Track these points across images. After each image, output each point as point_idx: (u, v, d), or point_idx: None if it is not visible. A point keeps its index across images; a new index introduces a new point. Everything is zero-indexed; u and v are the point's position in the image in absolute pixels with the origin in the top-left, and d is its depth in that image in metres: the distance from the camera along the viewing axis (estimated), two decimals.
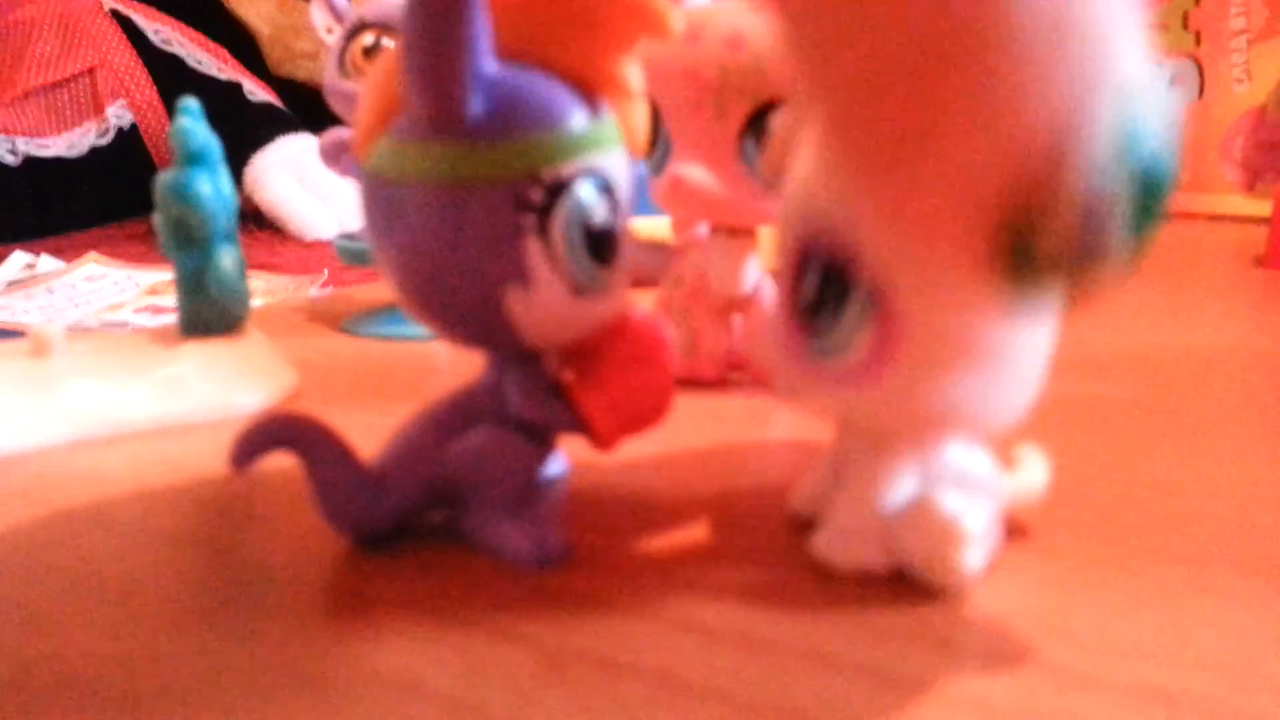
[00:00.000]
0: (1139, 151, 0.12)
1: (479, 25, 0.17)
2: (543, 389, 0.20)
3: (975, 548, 0.18)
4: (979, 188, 0.12)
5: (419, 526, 0.21)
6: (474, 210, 0.17)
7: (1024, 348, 0.17)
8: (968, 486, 0.19)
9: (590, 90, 0.18)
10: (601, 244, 0.18)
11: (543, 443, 0.21)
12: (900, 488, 0.19)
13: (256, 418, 0.19)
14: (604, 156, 0.18)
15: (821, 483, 0.21)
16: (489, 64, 0.17)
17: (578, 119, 0.18)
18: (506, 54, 0.18)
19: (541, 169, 0.17)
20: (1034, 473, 0.21)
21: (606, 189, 0.18)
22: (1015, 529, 0.21)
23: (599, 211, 0.18)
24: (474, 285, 0.18)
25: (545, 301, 0.18)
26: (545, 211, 0.18)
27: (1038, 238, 0.12)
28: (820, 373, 0.18)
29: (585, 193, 0.18)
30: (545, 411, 0.20)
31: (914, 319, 0.17)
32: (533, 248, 0.18)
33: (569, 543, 0.20)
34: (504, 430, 0.20)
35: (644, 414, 0.20)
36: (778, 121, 0.20)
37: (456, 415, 0.20)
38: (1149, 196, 0.12)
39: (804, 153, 0.18)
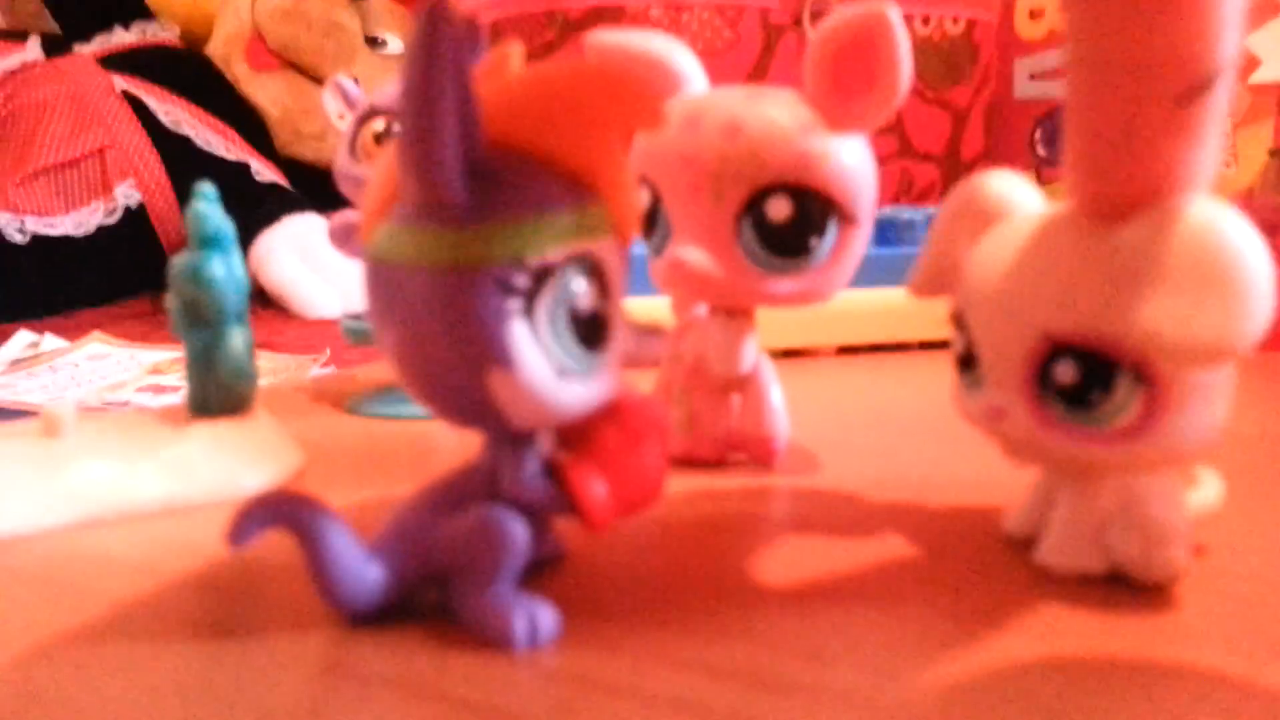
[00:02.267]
0: None
1: (468, 115, 0.17)
2: (535, 470, 0.20)
3: (1184, 547, 0.22)
4: None
5: (420, 605, 0.21)
6: (460, 294, 0.18)
7: (1226, 376, 0.21)
8: (1166, 500, 0.22)
9: (582, 178, 0.19)
10: (589, 329, 0.19)
11: (536, 524, 0.21)
12: (1109, 502, 0.22)
13: (254, 496, 0.20)
14: (593, 242, 0.19)
15: (1032, 508, 0.24)
16: (479, 152, 0.18)
17: (566, 206, 0.18)
18: (499, 143, 0.18)
19: (527, 254, 0.18)
20: (1211, 489, 0.24)
21: (595, 274, 0.19)
22: (1008, 609, 0.21)
23: (586, 297, 0.19)
24: (459, 367, 0.18)
25: (529, 384, 0.18)
26: (531, 296, 0.18)
27: None
28: (1088, 438, 0.21)
29: (573, 278, 0.18)
30: (537, 492, 0.20)
31: (1176, 380, 0.20)
32: (517, 332, 0.18)
33: (560, 624, 0.20)
34: (496, 510, 0.20)
35: (637, 496, 0.20)
36: (934, 242, 0.25)
37: (451, 495, 0.21)
38: None
39: (1015, 261, 0.21)
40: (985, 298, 0.22)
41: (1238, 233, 0.19)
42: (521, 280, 0.18)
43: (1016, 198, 0.23)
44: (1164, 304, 0.19)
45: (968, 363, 0.23)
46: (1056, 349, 0.21)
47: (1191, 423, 0.20)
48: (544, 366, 0.18)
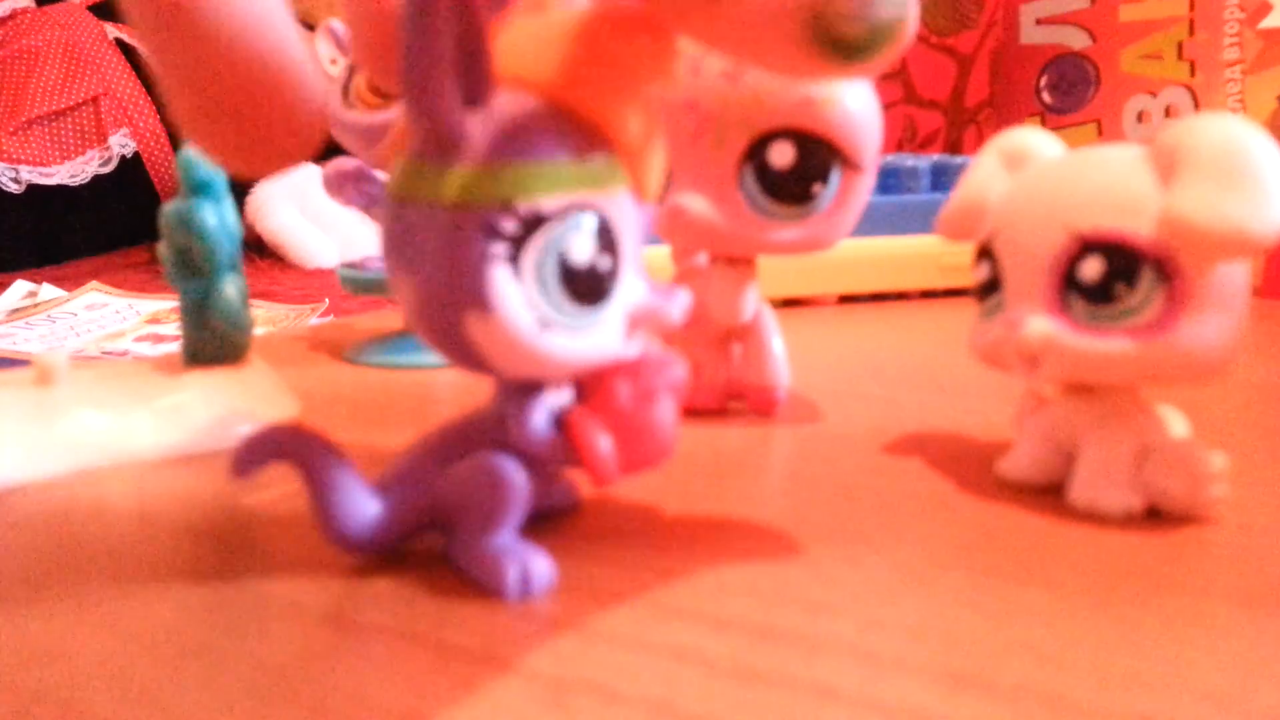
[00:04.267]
0: None
1: (473, 47, 0.17)
2: (544, 421, 0.20)
3: (1224, 484, 0.23)
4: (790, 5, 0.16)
5: (420, 552, 0.21)
6: (448, 232, 0.18)
7: (1242, 293, 0.22)
8: (1195, 439, 0.23)
9: (598, 127, 0.18)
10: (583, 283, 0.18)
11: (542, 474, 0.21)
12: (1138, 441, 0.23)
13: (260, 429, 0.20)
14: (599, 195, 0.18)
15: (1036, 454, 0.25)
16: (485, 89, 0.17)
17: (570, 154, 0.18)
18: (522, 84, 0.18)
19: (517, 200, 0.17)
20: (1179, 428, 0.24)
21: (598, 229, 0.18)
22: (1010, 557, 0.21)
23: (583, 250, 0.18)
24: (443, 306, 0.18)
25: (505, 331, 0.18)
26: (519, 242, 0.18)
27: (838, 26, 0.16)
28: (1110, 334, 0.22)
29: (569, 230, 0.18)
30: (543, 444, 0.20)
31: (1196, 278, 0.21)
32: (498, 277, 0.18)
33: (553, 574, 0.20)
34: (500, 458, 0.20)
35: (644, 454, 0.20)
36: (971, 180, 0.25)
37: (459, 440, 0.21)
38: None
39: (1048, 177, 0.23)
40: (1018, 211, 0.24)
41: (1257, 137, 0.21)
42: (509, 225, 0.17)
43: (1047, 147, 0.25)
44: (1193, 192, 0.20)
45: (989, 288, 0.24)
46: (1084, 247, 0.22)
47: (1208, 328, 0.21)
48: (524, 315, 0.18)
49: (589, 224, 0.18)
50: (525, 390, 0.20)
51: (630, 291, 0.20)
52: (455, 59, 0.17)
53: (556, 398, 0.20)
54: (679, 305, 0.20)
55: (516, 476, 0.20)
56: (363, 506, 0.20)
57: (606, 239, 0.19)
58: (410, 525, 0.20)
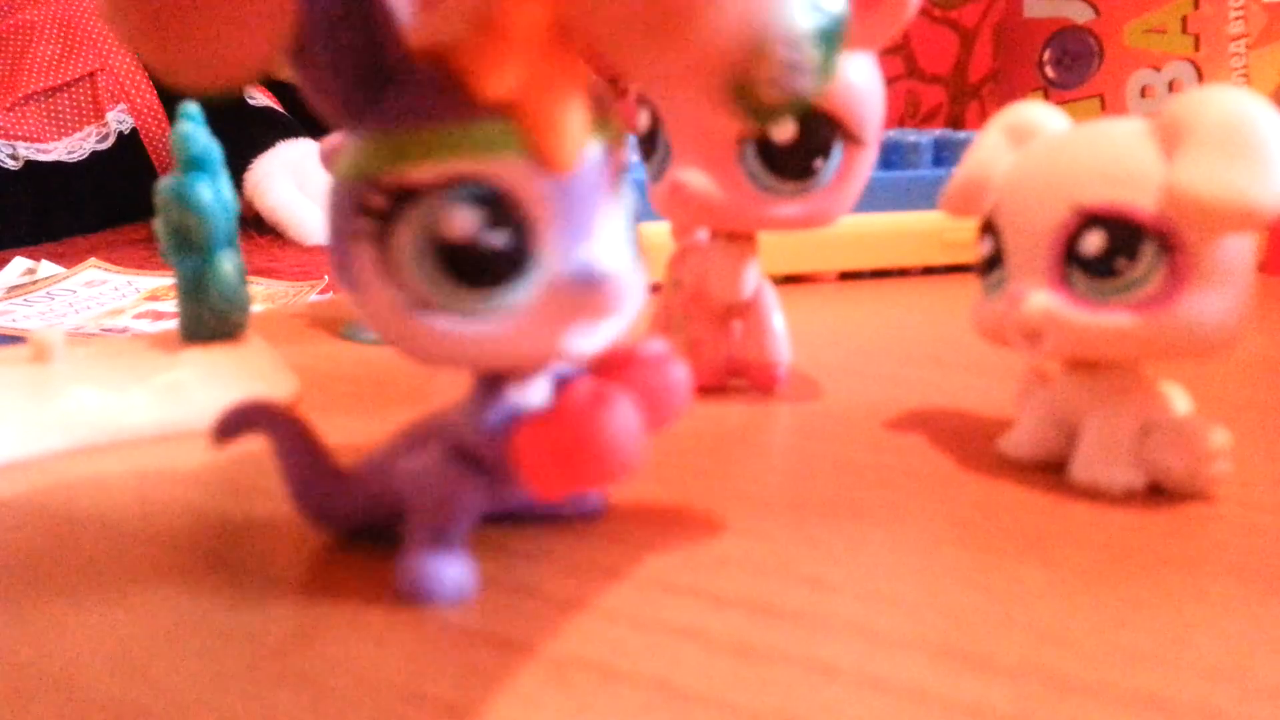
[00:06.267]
0: (819, 23, 0.17)
1: (372, 26, 0.16)
2: (498, 422, 0.18)
3: (1225, 461, 0.23)
4: (717, 66, 0.16)
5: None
6: (331, 209, 0.17)
7: (1247, 269, 0.22)
8: (1199, 417, 0.23)
9: (481, 89, 0.16)
10: (466, 262, 0.16)
11: (495, 476, 0.19)
12: (1140, 418, 0.23)
13: (238, 403, 0.20)
14: (488, 163, 0.16)
15: (1037, 432, 0.25)
16: (381, 59, 0.16)
17: (443, 119, 0.16)
18: (429, 53, 0.17)
19: (381, 173, 0.16)
20: (1182, 405, 0.24)
21: (484, 200, 0.16)
22: (1011, 534, 0.21)
23: (462, 224, 0.16)
24: (337, 283, 0.18)
25: (379, 313, 0.17)
26: (387, 217, 0.16)
27: (758, 91, 0.16)
28: (1112, 308, 0.22)
29: (444, 202, 0.16)
30: (491, 447, 0.18)
31: (1198, 251, 0.21)
32: (365, 254, 0.17)
33: (464, 588, 0.19)
34: (451, 455, 0.19)
35: (587, 468, 0.17)
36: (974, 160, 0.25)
37: (425, 432, 0.20)
38: (828, 48, 0.17)
39: (1051, 151, 0.23)
40: (1020, 186, 0.23)
41: (1263, 109, 0.21)
42: (376, 199, 0.16)
43: (1052, 122, 0.25)
44: (1197, 164, 0.20)
45: (992, 264, 0.24)
46: (1086, 221, 0.22)
47: (1210, 303, 0.21)
48: (393, 296, 0.17)
49: (475, 195, 0.16)
50: (489, 385, 0.19)
51: (558, 272, 0.17)
52: (344, 36, 0.16)
53: (527, 396, 0.19)
54: (609, 289, 0.17)
55: (465, 477, 0.19)
56: (328, 488, 0.20)
57: (499, 213, 0.16)
58: (377, 510, 0.20)
